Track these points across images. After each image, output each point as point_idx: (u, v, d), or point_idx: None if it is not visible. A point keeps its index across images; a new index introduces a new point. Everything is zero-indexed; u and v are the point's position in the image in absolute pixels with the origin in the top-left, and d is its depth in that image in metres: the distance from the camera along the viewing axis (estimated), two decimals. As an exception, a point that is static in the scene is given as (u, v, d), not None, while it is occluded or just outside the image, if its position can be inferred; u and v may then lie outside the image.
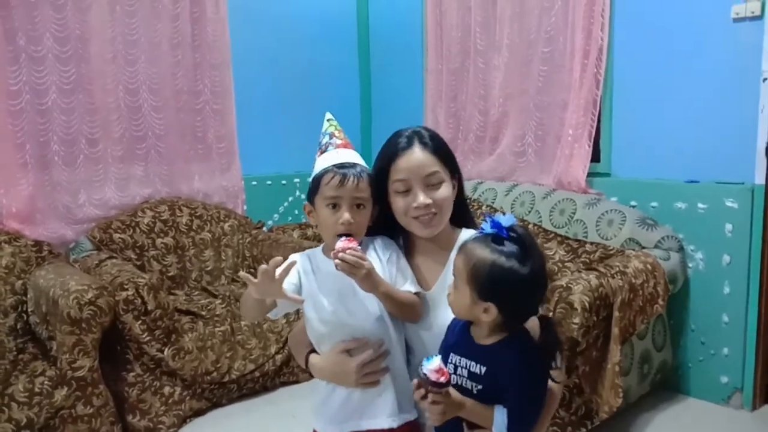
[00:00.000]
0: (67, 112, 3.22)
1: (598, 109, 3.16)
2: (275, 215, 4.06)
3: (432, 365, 1.18)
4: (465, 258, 1.24)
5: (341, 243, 1.35)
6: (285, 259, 1.36)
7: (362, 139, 4.47)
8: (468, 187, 3.61)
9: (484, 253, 1.21)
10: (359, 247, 1.36)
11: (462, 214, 1.57)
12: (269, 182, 3.99)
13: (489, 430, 1.28)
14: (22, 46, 3.06)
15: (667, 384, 3.01)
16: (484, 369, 1.26)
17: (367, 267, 1.34)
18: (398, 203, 1.46)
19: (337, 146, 1.48)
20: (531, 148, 3.48)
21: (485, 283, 1.21)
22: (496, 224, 1.23)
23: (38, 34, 3.10)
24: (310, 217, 1.51)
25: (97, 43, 3.27)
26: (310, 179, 1.49)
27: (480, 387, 1.27)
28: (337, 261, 1.33)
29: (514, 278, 1.19)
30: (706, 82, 2.86)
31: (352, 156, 1.48)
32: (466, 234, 1.52)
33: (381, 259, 1.47)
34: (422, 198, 1.44)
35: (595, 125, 3.17)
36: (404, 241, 1.57)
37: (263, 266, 1.26)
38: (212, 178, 3.76)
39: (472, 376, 1.28)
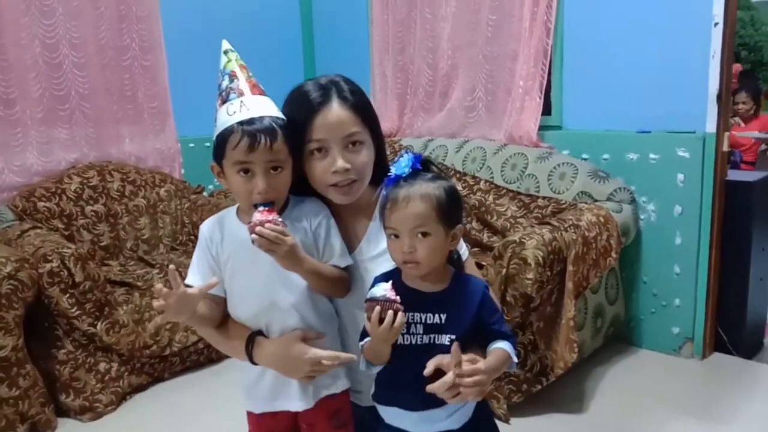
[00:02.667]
0: (-23, 70, 2.93)
1: (548, 59, 3.06)
2: (215, 179, 3.84)
3: (384, 286, 1.14)
4: (423, 203, 1.18)
5: (258, 215, 1.16)
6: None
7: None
8: (418, 144, 3.49)
9: (432, 188, 1.19)
10: (280, 219, 1.17)
11: (382, 175, 1.37)
12: (207, 144, 3.72)
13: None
14: None
15: (619, 337, 3.00)
16: (444, 316, 1.20)
17: (288, 243, 1.17)
18: (314, 167, 1.29)
19: (240, 92, 1.23)
20: (481, 102, 3.36)
21: (451, 210, 1.21)
22: (414, 162, 1.22)
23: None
24: (219, 179, 1.29)
25: (6, -7, 2.96)
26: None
27: (452, 336, 1.18)
28: (253, 236, 1.15)
29: (457, 192, 1.24)
30: (656, 29, 2.78)
31: (261, 105, 1.24)
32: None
33: (307, 227, 1.30)
34: (341, 162, 1.26)
35: (546, 76, 3.07)
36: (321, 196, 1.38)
37: (161, 304, 1.14)
38: (145, 140, 3.52)
39: (430, 328, 1.20)
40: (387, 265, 1.30)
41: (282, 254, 1.17)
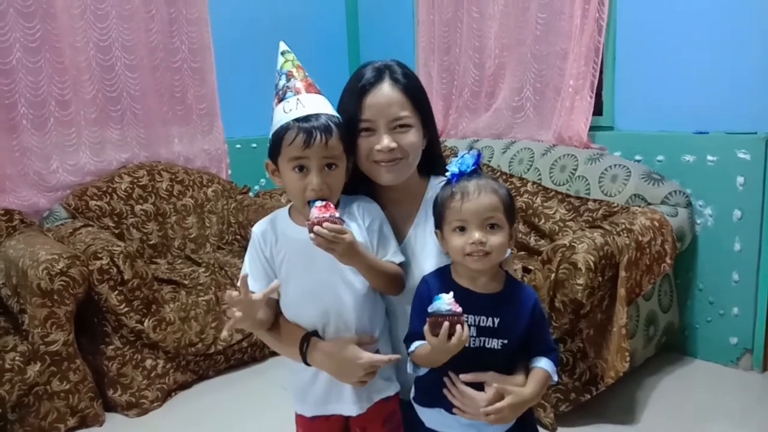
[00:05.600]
0: (34, 72, 3.00)
1: (600, 57, 2.96)
2: (261, 180, 3.87)
3: (447, 298, 1.10)
4: (495, 195, 1.19)
5: (315, 212, 1.14)
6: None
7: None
8: (463, 145, 3.44)
9: (498, 185, 1.21)
10: (337, 215, 1.16)
11: (434, 164, 1.40)
12: (254, 145, 3.79)
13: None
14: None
15: (673, 346, 2.89)
16: (497, 320, 1.19)
17: (347, 240, 1.15)
18: (361, 145, 1.28)
19: (296, 91, 1.24)
20: (529, 102, 3.29)
21: (513, 207, 1.23)
22: (477, 160, 1.22)
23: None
24: (274, 178, 1.29)
25: (63, -2, 3.04)
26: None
27: (505, 341, 1.19)
28: (311, 235, 1.13)
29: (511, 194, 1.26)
30: (715, 26, 2.66)
31: (317, 103, 1.24)
32: (435, 182, 1.37)
33: (361, 225, 1.28)
34: (386, 140, 1.26)
35: (597, 75, 2.98)
36: (368, 191, 1.37)
37: (233, 311, 1.15)
38: (193, 141, 3.57)
39: (482, 331, 1.18)
40: (432, 260, 1.30)
41: (341, 252, 1.16)
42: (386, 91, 1.27)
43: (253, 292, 1.19)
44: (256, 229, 1.33)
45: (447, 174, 1.23)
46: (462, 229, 1.18)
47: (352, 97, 1.28)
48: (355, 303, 1.26)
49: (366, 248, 1.24)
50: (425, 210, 1.35)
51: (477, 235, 1.16)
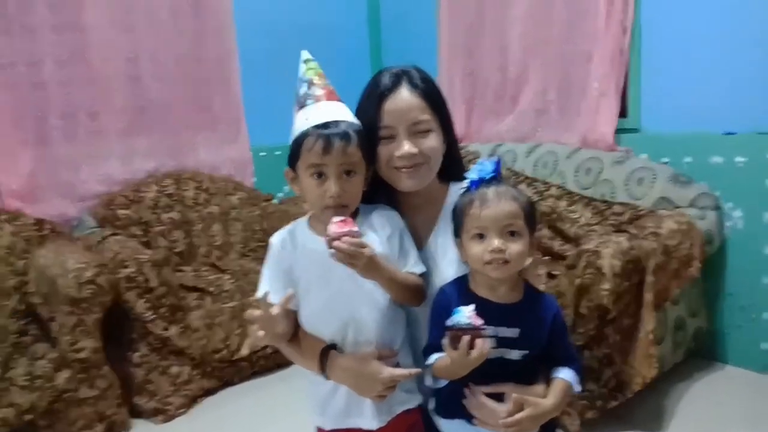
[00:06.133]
0: (65, 84, 3.07)
1: (625, 58, 2.92)
2: (285, 187, 3.90)
3: (467, 311, 1.09)
4: (515, 202, 1.18)
5: (334, 227, 1.13)
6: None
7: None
8: (486, 150, 3.42)
9: (518, 192, 1.20)
10: (357, 229, 1.14)
11: (453, 170, 1.39)
12: (278, 152, 3.81)
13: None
14: (13, 15, 2.91)
15: (702, 352, 2.82)
16: (518, 331, 1.17)
17: (367, 255, 1.14)
18: (381, 152, 1.28)
19: (317, 98, 1.24)
20: (553, 105, 3.26)
21: (534, 215, 1.21)
22: (497, 167, 1.21)
23: (29, 2, 2.94)
24: (293, 185, 1.29)
25: (92, 11, 3.10)
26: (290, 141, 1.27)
27: (526, 352, 1.18)
28: (331, 250, 1.13)
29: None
30: (742, 23, 2.60)
31: (337, 110, 1.24)
32: (456, 188, 1.35)
33: (381, 235, 1.27)
34: (407, 147, 1.26)
35: (622, 77, 2.94)
36: (388, 198, 1.37)
37: (254, 329, 1.16)
38: (219, 149, 3.61)
39: (502, 342, 1.16)
40: (454, 267, 1.29)
41: (361, 267, 1.15)
42: (405, 96, 1.27)
43: (272, 304, 1.20)
44: (275, 240, 1.32)
45: (466, 181, 1.22)
46: (481, 236, 1.17)
47: (371, 103, 1.28)
48: (375, 315, 1.25)
49: (386, 260, 1.23)
50: (446, 217, 1.34)
51: (496, 242, 1.15)
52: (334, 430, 1.34)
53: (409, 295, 1.27)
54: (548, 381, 1.24)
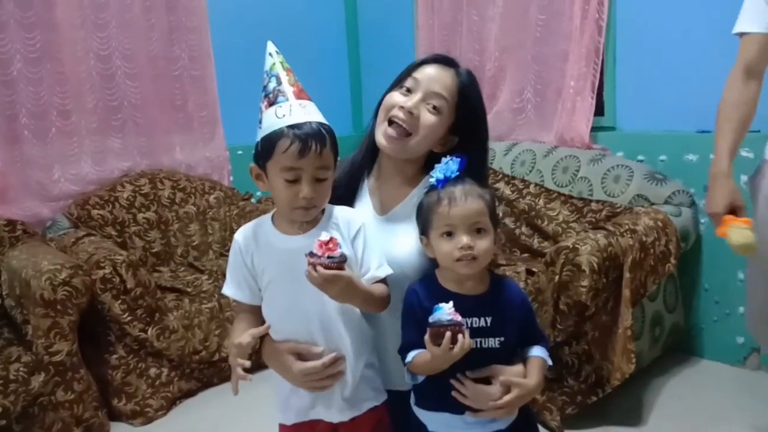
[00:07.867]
0: (35, 83, 3.00)
1: (600, 58, 2.96)
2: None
3: (448, 308, 1.12)
4: (481, 200, 1.21)
5: (317, 249, 1.10)
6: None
7: (352, 100, 4.27)
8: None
9: (482, 190, 1.24)
10: (338, 253, 1.11)
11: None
12: (256, 151, 3.79)
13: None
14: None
15: (679, 346, 2.87)
16: (489, 319, 1.22)
17: (344, 281, 1.12)
18: (387, 100, 1.37)
19: (288, 96, 1.20)
20: (530, 104, 3.29)
21: (496, 211, 1.26)
22: (461, 165, 1.24)
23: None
24: (258, 182, 1.25)
25: (63, 8, 3.04)
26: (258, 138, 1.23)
27: (501, 338, 1.22)
28: (309, 269, 1.11)
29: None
30: (716, 22, 2.64)
31: (309, 110, 1.21)
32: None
33: (345, 236, 1.25)
34: (466, 240, 1.22)
35: (598, 76, 2.97)
36: (371, 157, 1.45)
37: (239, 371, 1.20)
38: (195, 148, 3.56)
39: (477, 332, 1.20)
40: (411, 237, 1.33)
41: (335, 293, 1.14)
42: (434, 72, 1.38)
43: (238, 302, 1.30)
44: (238, 236, 1.31)
45: (432, 180, 1.25)
46: (450, 234, 1.20)
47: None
48: (340, 313, 1.24)
49: (351, 260, 1.21)
50: (417, 196, 1.36)
51: (465, 239, 1.18)
52: (296, 424, 1.34)
53: (379, 305, 1.26)
54: (523, 361, 1.27)
